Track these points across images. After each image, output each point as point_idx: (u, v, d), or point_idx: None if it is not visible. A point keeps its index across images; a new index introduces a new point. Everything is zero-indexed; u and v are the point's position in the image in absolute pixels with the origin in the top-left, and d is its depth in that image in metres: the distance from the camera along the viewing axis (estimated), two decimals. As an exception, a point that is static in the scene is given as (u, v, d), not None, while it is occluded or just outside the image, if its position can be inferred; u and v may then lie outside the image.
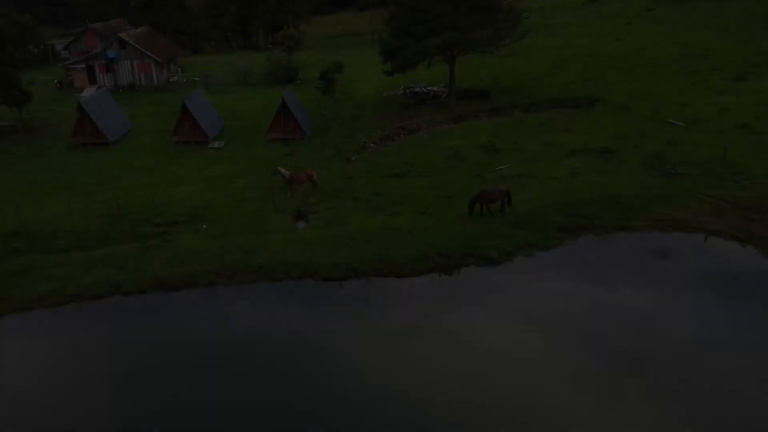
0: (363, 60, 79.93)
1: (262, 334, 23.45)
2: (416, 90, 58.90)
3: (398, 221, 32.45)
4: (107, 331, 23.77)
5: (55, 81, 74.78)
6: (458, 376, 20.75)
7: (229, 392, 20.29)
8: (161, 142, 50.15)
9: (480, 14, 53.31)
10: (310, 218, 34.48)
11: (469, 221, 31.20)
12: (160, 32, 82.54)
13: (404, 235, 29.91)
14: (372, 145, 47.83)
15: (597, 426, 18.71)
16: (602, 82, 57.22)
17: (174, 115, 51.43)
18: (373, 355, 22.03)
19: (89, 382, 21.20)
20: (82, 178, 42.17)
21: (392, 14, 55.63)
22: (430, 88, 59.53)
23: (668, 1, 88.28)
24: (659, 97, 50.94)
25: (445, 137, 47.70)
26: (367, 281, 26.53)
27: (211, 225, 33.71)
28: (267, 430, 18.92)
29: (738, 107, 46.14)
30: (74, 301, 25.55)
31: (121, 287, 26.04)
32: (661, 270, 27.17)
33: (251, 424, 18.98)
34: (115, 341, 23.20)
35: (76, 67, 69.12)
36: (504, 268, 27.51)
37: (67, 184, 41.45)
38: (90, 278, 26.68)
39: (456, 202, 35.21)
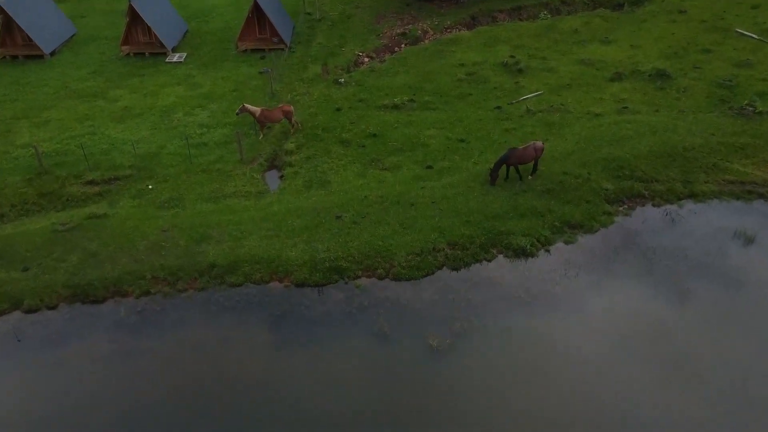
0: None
1: (202, 377, 17.06)
2: (421, -19, 48.32)
3: (398, 183, 25.05)
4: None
5: (-6, -35, 63.07)
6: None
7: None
8: (110, 53, 41.06)
9: None
10: (285, 174, 26.98)
11: (491, 190, 23.79)
12: None
13: (405, 211, 22.69)
14: (366, 59, 38.98)
15: None
16: (649, -29, 46.74)
17: (126, 17, 41.94)
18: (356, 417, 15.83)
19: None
20: (4, 108, 33.93)
21: None
22: (437, -22, 48.87)
23: None
24: (722, -4, 41.22)
25: (457, 49, 38.68)
26: (355, 289, 19.73)
27: (158, 185, 26.32)
28: None
29: (826, 12, 36.87)
30: (-43, 323, 18.95)
31: (22, 302, 19.25)
32: (752, 269, 20.28)
33: None
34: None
35: (13, -51, 57.39)
36: (538, 265, 20.61)
37: (-13, 116, 33.39)
38: (-18, 286, 19.85)
39: (472, 150, 27.59)
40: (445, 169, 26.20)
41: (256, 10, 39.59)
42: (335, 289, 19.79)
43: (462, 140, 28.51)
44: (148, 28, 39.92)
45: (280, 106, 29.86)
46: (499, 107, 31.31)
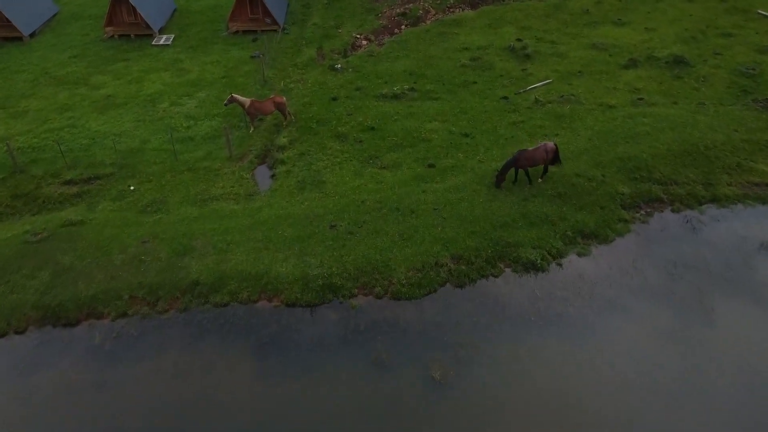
0: None
1: (183, 408, 15.60)
2: (422, -44, 45.70)
3: (398, 184, 23.30)
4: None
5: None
6: None
7: None
8: (93, 35, 38.90)
9: None
10: (276, 173, 25.17)
11: (498, 195, 22.05)
12: None
13: (405, 219, 21.00)
14: (364, 42, 36.81)
15: None
16: (663, -55, 44.14)
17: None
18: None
19: None
20: (-20, 98, 32.00)
21: None
22: (439, -48, 46.24)
23: None
24: (743, -27, 38.76)
25: (460, 31, 36.50)
26: (351, 309, 18.14)
27: (140, 185, 24.56)
28: None
29: None
30: None
31: (-13, 325, 17.74)
32: (778, 287, 18.68)
33: None
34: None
35: None
36: (549, 281, 18.99)
37: (-39, 106, 31.42)
38: (-56, 307, 18.25)
39: (477, 145, 25.79)
40: (448, 168, 24.41)
41: (248, -12, 37.31)
42: (329, 309, 18.21)
43: (466, 135, 26.65)
44: (134, 8, 37.66)
45: (271, 97, 27.90)
46: (505, 97, 29.34)
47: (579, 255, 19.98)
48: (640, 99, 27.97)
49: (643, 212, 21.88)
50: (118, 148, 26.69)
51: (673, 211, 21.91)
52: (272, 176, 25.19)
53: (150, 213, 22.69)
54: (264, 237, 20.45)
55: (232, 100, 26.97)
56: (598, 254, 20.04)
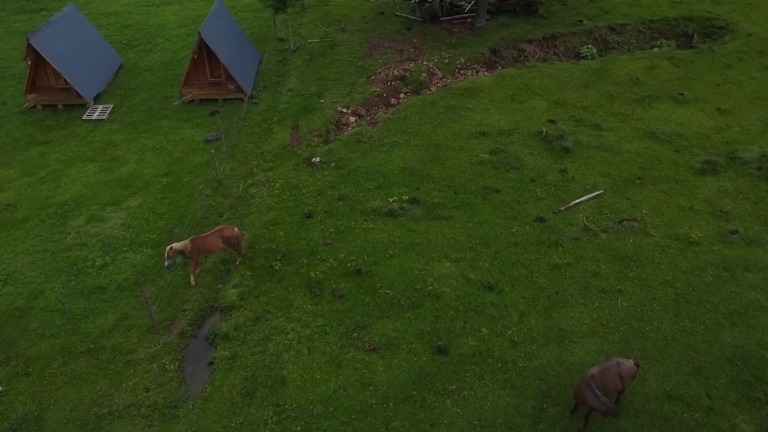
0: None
1: None
2: (425, -3, 37.85)
3: (392, 395, 15.39)
4: None
5: None
6: None
7: None
8: (12, 103, 30.89)
9: None
10: (215, 359, 17.15)
11: (551, 441, 14.10)
12: None
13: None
14: (353, 118, 28.82)
15: None
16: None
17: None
18: None
19: None
20: None
21: None
22: (446, -8, 38.40)
23: None
24: (831, 29, 31.01)
25: (475, 105, 28.45)
26: None
27: (13, 382, 16.58)
28: None
29: None
30: None
31: None
32: None
33: None
34: None
35: None
36: None
37: None
38: None
39: (507, 308, 17.92)
40: (467, 357, 16.49)
41: (204, 48, 29.29)
42: None
43: (490, 287, 18.74)
44: (60, 73, 29.64)
45: (218, 228, 19.85)
46: (541, 219, 21.41)
47: None
48: (734, 232, 20.04)
49: (777, 466, 13.99)
50: (-5, 308, 18.78)
51: (822, 461, 14.04)
52: (210, 363, 17.22)
53: (10, 455, 14.74)
54: None
55: (173, 253, 18.78)
56: None
